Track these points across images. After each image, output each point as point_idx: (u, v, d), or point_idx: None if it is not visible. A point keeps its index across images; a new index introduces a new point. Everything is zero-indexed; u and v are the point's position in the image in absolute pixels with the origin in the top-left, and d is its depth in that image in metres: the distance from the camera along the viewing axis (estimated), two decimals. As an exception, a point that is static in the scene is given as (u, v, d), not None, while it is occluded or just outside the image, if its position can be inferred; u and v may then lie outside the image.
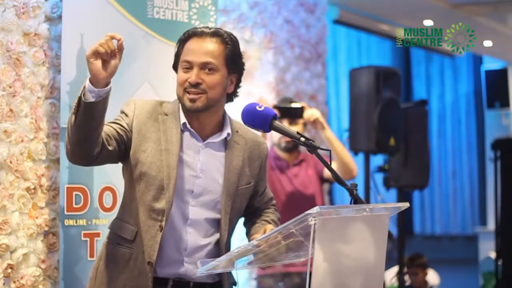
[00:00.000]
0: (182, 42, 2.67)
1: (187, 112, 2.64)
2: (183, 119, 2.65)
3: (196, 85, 2.59)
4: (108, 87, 2.47)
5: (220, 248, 2.66)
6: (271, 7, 5.61)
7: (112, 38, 2.45)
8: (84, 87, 2.42)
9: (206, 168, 2.65)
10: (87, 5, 3.42)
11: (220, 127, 2.70)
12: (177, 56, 2.67)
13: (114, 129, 2.58)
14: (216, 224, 2.67)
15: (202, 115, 2.64)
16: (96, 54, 2.42)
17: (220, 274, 2.67)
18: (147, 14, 3.61)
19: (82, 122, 2.42)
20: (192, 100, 2.59)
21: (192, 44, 2.63)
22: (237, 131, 2.73)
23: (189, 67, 2.61)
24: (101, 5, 3.45)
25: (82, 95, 2.41)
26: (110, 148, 2.53)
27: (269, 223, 2.75)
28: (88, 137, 2.45)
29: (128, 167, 2.64)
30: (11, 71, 3.27)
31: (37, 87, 3.39)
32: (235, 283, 2.75)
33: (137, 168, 2.61)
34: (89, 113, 2.41)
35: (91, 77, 2.43)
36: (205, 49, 2.62)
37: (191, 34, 2.66)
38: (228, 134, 2.69)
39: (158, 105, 2.69)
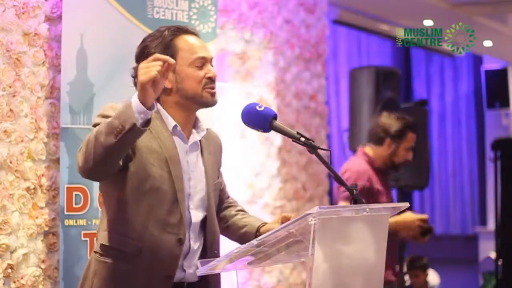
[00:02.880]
0: (173, 39, 2.59)
1: (206, 106, 2.61)
2: (172, 121, 2.59)
3: (215, 80, 2.61)
4: (156, 106, 2.39)
5: (208, 247, 2.63)
6: (271, 7, 5.61)
7: (164, 61, 2.33)
8: (131, 111, 2.28)
9: (194, 169, 2.63)
10: (87, 5, 3.42)
11: (193, 125, 2.68)
12: (174, 51, 2.57)
13: None
14: (203, 223, 2.64)
15: (188, 114, 2.61)
16: (153, 81, 2.31)
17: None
18: (147, 14, 3.61)
19: (121, 146, 2.33)
20: (214, 94, 2.60)
21: (192, 40, 2.62)
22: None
23: (204, 63, 2.60)
24: (101, 5, 3.45)
25: (136, 121, 2.29)
26: (122, 164, 2.47)
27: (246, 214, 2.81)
28: (117, 159, 2.40)
29: (129, 181, 2.52)
30: (11, 71, 3.27)
31: (37, 87, 3.39)
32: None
33: (147, 183, 2.51)
34: (133, 139, 2.36)
35: (141, 99, 2.31)
36: (206, 45, 2.66)
37: (183, 31, 2.63)
38: (207, 130, 2.68)
39: None
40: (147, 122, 2.33)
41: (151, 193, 2.51)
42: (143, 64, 2.32)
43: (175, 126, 2.59)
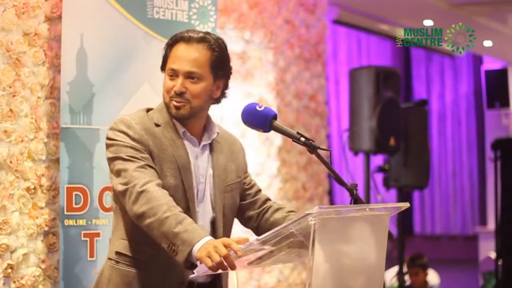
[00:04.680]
0: (169, 46, 2.64)
1: (174, 118, 2.61)
2: (181, 127, 2.62)
3: (180, 94, 2.57)
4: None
5: None
6: (271, 7, 5.61)
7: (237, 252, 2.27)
8: (189, 251, 2.31)
9: (204, 173, 2.64)
10: (87, 5, 3.42)
11: (204, 129, 2.69)
12: (165, 59, 2.65)
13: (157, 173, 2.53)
14: (212, 223, 2.66)
15: (190, 121, 2.62)
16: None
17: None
18: (147, 14, 3.61)
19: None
20: (177, 108, 2.58)
21: (178, 50, 2.60)
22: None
23: (174, 75, 2.58)
24: (101, 5, 3.45)
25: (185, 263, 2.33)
26: None
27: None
28: None
29: None
30: (11, 71, 3.27)
31: (37, 87, 3.39)
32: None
33: None
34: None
35: (198, 260, 2.31)
36: (191, 57, 2.58)
37: (179, 38, 2.62)
38: (217, 133, 2.69)
39: (147, 116, 2.63)
40: (191, 266, 2.34)
41: None
42: (211, 245, 2.27)
43: (184, 132, 2.62)
